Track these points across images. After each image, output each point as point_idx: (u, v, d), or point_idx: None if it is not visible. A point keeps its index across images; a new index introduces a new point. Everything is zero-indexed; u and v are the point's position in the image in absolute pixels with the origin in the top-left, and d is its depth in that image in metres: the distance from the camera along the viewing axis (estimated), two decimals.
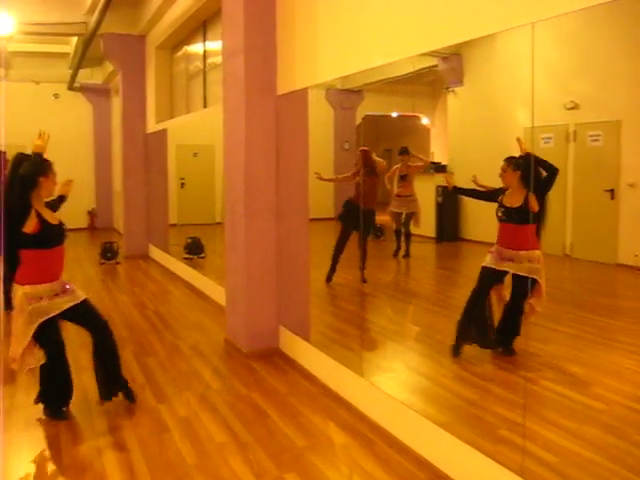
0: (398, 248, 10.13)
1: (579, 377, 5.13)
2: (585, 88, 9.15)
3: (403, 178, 10.04)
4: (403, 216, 10.04)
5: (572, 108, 9.27)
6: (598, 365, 5.38)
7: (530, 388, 4.72)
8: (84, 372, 5.58)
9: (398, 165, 9.95)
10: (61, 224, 4.63)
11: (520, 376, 4.99)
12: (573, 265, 8.61)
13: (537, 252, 5.32)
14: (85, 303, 4.74)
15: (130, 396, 4.89)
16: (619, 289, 8.30)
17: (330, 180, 9.45)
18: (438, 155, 12.46)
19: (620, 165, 8.88)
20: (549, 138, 9.37)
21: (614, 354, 5.64)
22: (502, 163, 5.58)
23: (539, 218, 5.38)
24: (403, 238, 10.04)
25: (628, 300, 7.65)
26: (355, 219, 8.25)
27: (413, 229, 10.18)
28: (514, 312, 5.45)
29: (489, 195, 5.73)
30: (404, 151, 10.15)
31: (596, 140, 9.16)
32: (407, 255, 10.19)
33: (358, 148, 8.83)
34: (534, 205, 5.27)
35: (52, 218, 4.55)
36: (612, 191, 8.91)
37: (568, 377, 5.13)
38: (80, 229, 17.14)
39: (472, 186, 6.30)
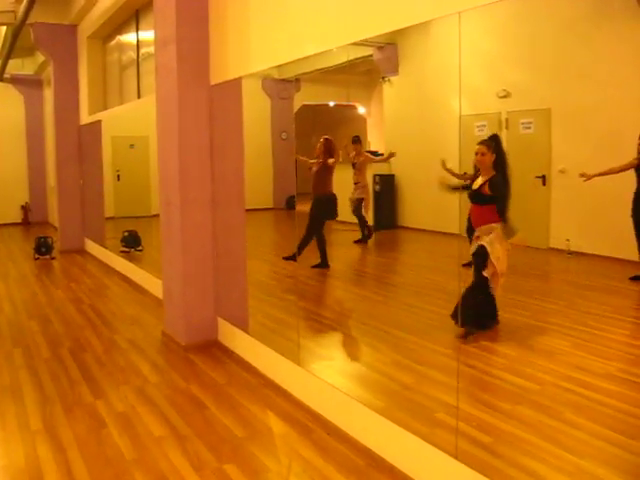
0: (362, 235, 10.31)
1: (512, 359, 5.25)
2: (516, 77, 9.35)
3: (354, 166, 10.17)
4: (355, 202, 10.20)
5: (504, 96, 9.47)
6: (531, 347, 5.52)
7: (465, 371, 4.82)
8: (20, 370, 5.49)
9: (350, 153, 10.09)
10: None
11: (454, 359, 5.08)
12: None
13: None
14: None
15: None
16: (551, 272, 8.52)
17: (304, 161, 9.49)
18: (375, 144, 12.56)
19: (551, 152, 9.11)
20: (483, 126, 9.54)
21: (546, 335, 5.79)
22: (480, 147, 5.71)
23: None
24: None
25: (560, 283, 7.86)
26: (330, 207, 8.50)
27: (351, 218, 10.29)
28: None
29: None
30: (356, 140, 10.28)
31: (528, 127, 9.37)
32: (369, 236, 10.38)
33: (322, 137, 8.90)
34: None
35: None
36: (544, 177, 9.14)
37: (502, 359, 5.25)
38: (13, 224, 16.75)
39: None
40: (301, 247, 8.70)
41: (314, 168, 8.95)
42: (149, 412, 4.57)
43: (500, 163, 5.68)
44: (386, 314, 6.65)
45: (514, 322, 6.16)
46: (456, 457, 3.28)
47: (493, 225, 5.61)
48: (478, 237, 5.67)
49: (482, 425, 3.99)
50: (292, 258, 8.69)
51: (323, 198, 8.90)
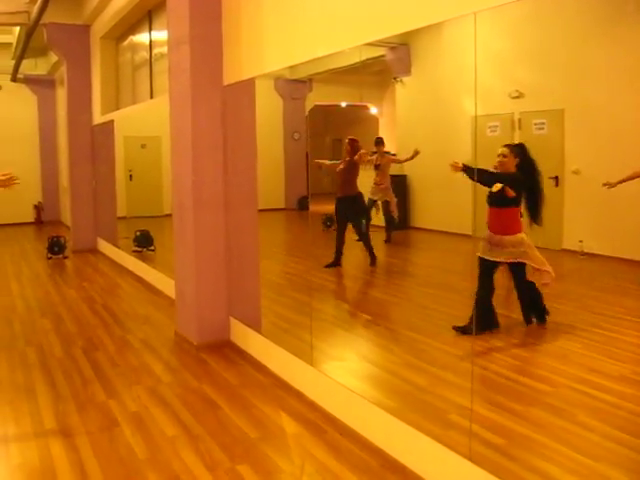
0: (387, 236, 10.31)
1: (526, 361, 5.23)
2: (529, 77, 9.29)
3: (377, 167, 10.17)
4: (379, 204, 10.19)
5: (517, 97, 9.41)
6: (544, 348, 5.50)
7: (478, 372, 4.80)
8: (33, 369, 5.51)
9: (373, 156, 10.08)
10: None
11: (468, 361, 5.06)
12: None
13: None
14: None
15: None
16: (564, 274, 8.46)
17: (321, 165, 9.50)
18: (387, 144, 12.51)
19: (564, 152, 9.06)
20: (495, 126, 9.50)
21: (559, 337, 5.76)
22: (503, 149, 5.69)
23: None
24: (385, 225, 10.25)
25: (572, 284, 7.81)
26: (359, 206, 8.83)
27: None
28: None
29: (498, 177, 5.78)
30: (379, 141, 10.28)
31: (541, 128, 9.32)
32: (388, 240, 10.38)
33: (347, 138, 8.98)
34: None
35: None
36: (557, 178, 9.08)
37: (515, 361, 5.23)
38: (26, 223, 16.83)
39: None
40: (339, 250, 8.78)
41: (341, 166, 8.99)
42: (162, 412, 4.58)
43: (527, 168, 5.68)
44: (398, 315, 6.65)
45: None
46: (470, 459, 3.27)
47: (519, 236, 5.63)
48: (499, 247, 5.65)
49: (495, 427, 3.98)
50: (335, 264, 8.76)
51: (350, 198, 8.96)
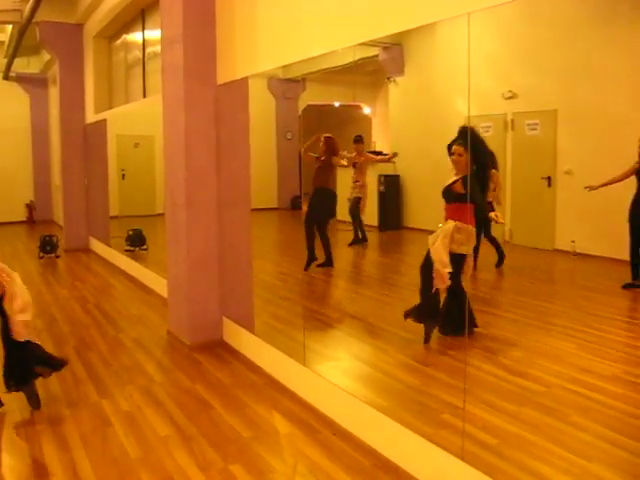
0: (355, 236, 10.22)
1: (518, 361, 5.24)
2: (522, 78, 9.32)
3: (355, 165, 10.16)
4: (353, 201, 10.15)
5: (510, 97, 9.44)
6: (537, 348, 5.51)
7: (471, 372, 4.81)
8: None
9: (351, 153, 10.05)
10: None
11: (461, 361, 5.07)
12: (512, 251, 8.79)
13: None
14: None
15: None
16: (556, 274, 8.51)
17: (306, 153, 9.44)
18: (380, 144, 12.53)
19: (557, 153, 9.10)
20: (488, 127, 9.53)
21: (552, 337, 5.78)
22: (456, 147, 5.53)
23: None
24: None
25: (565, 285, 7.85)
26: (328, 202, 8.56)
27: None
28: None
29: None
30: (359, 139, 10.26)
31: (533, 129, 9.36)
32: (364, 239, 10.29)
33: (322, 135, 8.92)
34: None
35: None
36: (549, 178, 9.12)
37: (508, 361, 5.24)
38: (18, 222, 16.77)
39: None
40: (310, 247, 8.66)
41: (316, 165, 8.95)
42: (154, 411, 4.57)
43: (478, 159, 5.48)
44: (391, 315, 6.64)
45: (519, 323, 6.16)
46: (462, 458, 3.28)
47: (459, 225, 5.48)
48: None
49: (488, 427, 3.99)
50: (327, 264, 8.74)
51: (322, 191, 8.87)
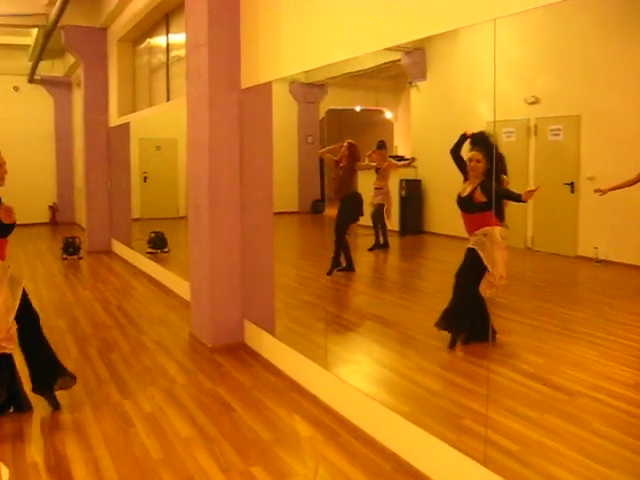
0: (376, 241, 10.21)
1: (541, 367, 5.21)
2: (546, 83, 9.28)
3: (378, 171, 10.16)
4: (375, 207, 10.15)
5: (533, 103, 9.40)
6: (559, 355, 5.48)
7: (492, 379, 4.79)
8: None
9: (372, 162, 10.06)
10: None
11: (483, 367, 5.06)
12: (534, 258, 8.75)
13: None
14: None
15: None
16: (579, 281, 8.45)
17: (329, 158, 9.44)
18: (401, 148, 12.53)
19: (580, 159, 9.03)
20: (511, 132, 9.50)
21: (575, 344, 5.74)
22: (474, 153, 5.51)
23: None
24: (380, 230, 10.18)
25: (587, 291, 7.79)
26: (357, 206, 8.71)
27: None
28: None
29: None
30: (382, 145, 10.26)
31: (556, 134, 9.30)
32: (385, 245, 10.28)
33: (346, 141, 8.96)
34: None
35: None
36: (572, 184, 9.06)
37: (530, 367, 5.21)
38: (41, 224, 16.92)
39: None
40: (337, 253, 8.71)
41: (339, 172, 8.96)
42: (176, 413, 4.60)
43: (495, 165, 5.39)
44: (413, 320, 6.64)
45: (542, 330, 6.13)
46: (484, 464, 3.27)
47: (487, 229, 5.40)
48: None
49: (510, 433, 3.97)
50: (348, 268, 8.76)
51: (352, 197, 8.93)
